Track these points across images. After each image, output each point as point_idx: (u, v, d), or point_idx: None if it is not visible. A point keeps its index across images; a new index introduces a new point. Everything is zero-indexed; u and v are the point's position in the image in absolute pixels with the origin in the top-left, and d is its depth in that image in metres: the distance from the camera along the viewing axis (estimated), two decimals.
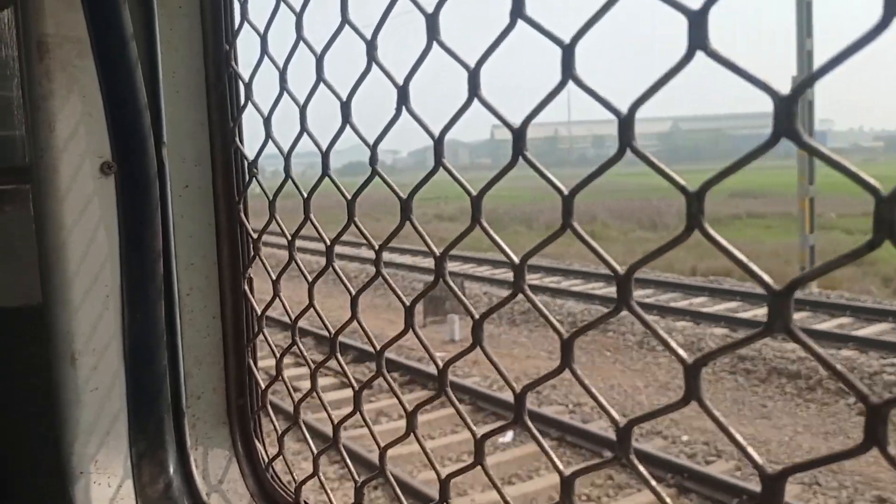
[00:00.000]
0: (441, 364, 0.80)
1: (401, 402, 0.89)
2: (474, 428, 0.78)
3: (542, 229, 23.65)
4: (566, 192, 0.61)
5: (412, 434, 0.85)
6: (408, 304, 0.84)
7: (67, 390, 1.16)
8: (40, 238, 1.15)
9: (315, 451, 1.09)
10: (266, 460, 1.28)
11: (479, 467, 0.76)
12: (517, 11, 0.64)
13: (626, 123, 0.56)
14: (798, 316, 10.04)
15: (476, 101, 0.71)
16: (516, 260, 0.68)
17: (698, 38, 0.49)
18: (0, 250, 1.48)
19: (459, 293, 0.82)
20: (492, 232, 0.72)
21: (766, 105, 0.46)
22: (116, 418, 1.20)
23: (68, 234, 1.14)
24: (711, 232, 0.50)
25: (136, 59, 1.16)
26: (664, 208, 26.70)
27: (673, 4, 0.52)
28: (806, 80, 0.49)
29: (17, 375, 1.19)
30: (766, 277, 0.48)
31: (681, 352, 0.54)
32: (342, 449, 1.03)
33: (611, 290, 12.42)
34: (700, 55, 0.50)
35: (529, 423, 0.70)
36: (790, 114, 0.46)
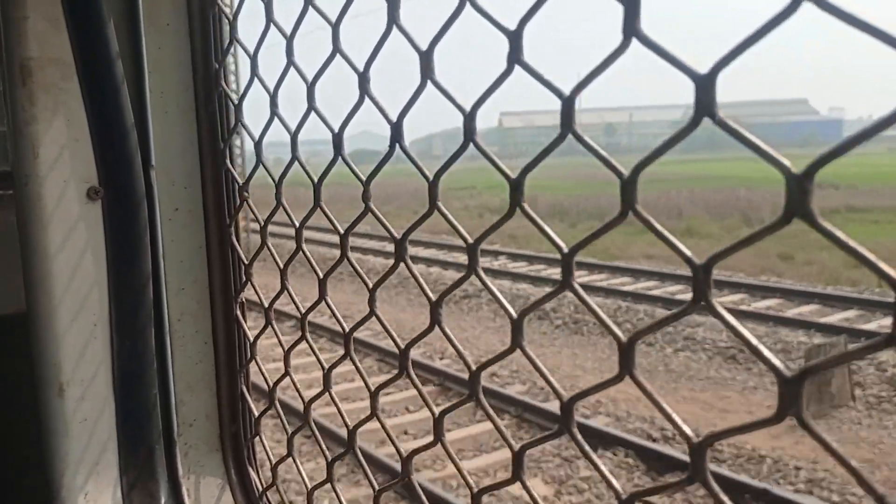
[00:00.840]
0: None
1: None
2: (434, 407, 0.81)
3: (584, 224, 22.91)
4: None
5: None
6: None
7: (55, 421, 1.13)
8: (25, 266, 1.12)
9: (309, 486, 1.06)
10: (260, 489, 1.25)
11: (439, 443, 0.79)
12: None
13: (567, 105, 0.58)
14: None
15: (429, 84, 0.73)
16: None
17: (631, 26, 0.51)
18: None
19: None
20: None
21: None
22: (106, 448, 1.17)
23: (53, 262, 1.11)
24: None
25: (122, 78, 1.12)
26: (756, 200, 24.46)
27: None
28: (724, 60, 0.47)
29: (2, 406, 1.17)
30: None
31: (616, 330, 0.57)
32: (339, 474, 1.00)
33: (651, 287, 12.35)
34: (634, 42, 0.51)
35: (483, 401, 0.74)
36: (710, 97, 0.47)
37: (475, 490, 0.75)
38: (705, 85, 0.48)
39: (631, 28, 0.52)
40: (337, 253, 0.94)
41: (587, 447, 0.62)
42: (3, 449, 1.30)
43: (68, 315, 1.12)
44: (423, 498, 0.82)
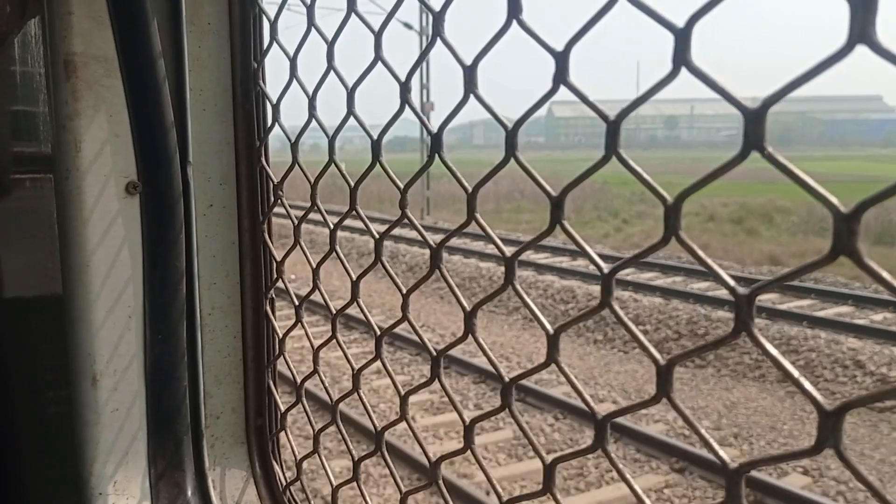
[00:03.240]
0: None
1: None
2: (464, 414, 0.82)
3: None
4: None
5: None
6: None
7: (88, 411, 1.16)
8: (63, 257, 1.15)
9: (334, 484, 1.08)
10: (284, 483, 1.27)
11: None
12: (513, 13, 0.66)
13: (613, 130, 0.58)
14: None
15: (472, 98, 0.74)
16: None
17: (682, 54, 0.51)
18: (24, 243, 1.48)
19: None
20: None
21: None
22: (135, 438, 1.19)
23: (91, 255, 1.13)
24: None
25: (163, 77, 1.14)
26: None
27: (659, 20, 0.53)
28: (775, 95, 0.48)
29: (37, 394, 1.19)
30: None
31: (655, 353, 0.58)
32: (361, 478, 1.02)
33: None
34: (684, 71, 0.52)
35: (516, 412, 0.74)
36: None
37: (504, 500, 0.76)
38: (755, 119, 0.49)
39: (681, 58, 0.53)
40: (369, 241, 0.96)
41: (620, 465, 0.63)
42: (34, 432, 1.33)
43: (104, 307, 1.15)
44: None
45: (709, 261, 0.54)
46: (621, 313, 0.61)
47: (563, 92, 0.65)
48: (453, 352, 8.59)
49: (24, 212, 1.48)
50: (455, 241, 16.08)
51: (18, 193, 1.51)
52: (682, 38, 0.52)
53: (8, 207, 1.52)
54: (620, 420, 7.12)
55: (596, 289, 12.12)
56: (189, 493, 1.22)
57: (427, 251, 0.84)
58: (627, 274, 12.90)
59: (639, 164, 0.59)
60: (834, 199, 0.46)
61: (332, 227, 1.05)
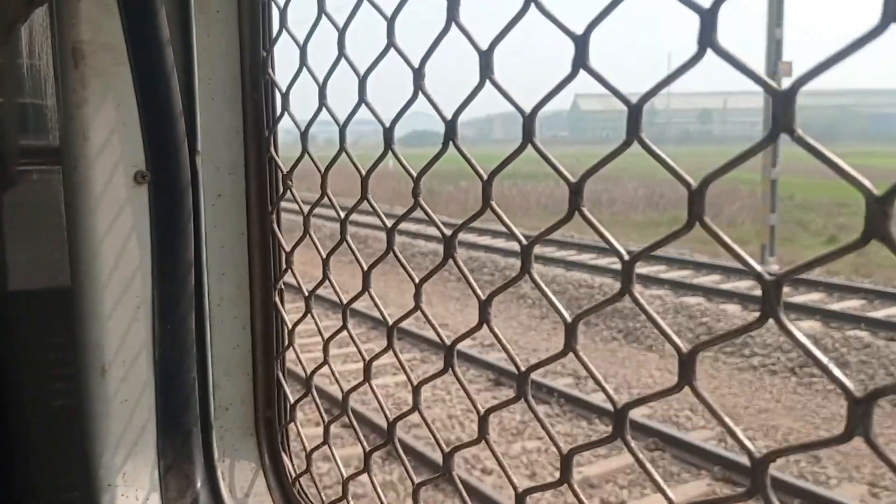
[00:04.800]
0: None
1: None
2: (479, 405, 0.81)
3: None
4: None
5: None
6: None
7: (97, 402, 1.15)
8: (72, 247, 1.14)
9: (345, 475, 1.07)
10: (293, 475, 1.27)
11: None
12: None
13: (635, 113, 0.58)
14: None
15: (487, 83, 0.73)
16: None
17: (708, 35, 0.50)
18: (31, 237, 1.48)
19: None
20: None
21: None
22: (144, 430, 1.19)
23: (100, 245, 1.13)
24: None
25: (172, 65, 1.13)
26: None
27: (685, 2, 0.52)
28: (805, 76, 0.47)
29: (46, 386, 1.19)
30: None
31: (678, 341, 0.57)
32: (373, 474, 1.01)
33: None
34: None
35: (532, 403, 0.73)
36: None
37: (520, 490, 0.75)
38: (785, 101, 0.48)
39: (707, 39, 0.51)
40: (381, 236, 0.95)
41: (641, 455, 0.62)
42: (43, 423, 1.32)
43: (113, 297, 1.14)
44: (465, 495, 0.82)
45: (735, 247, 0.53)
46: (643, 301, 0.60)
47: (589, 84, 0.64)
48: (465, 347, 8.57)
49: (32, 202, 1.47)
50: (462, 236, 15.96)
51: (26, 183, 1.50)
52: (709, 18, 0.51)
53: (16, 197, 1.51)
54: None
55: (583, 277, 12.13)
56: (198, 484, 1.22)
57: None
58: (613, 261, 12.89)
59: (647, 160, 0.58)
60: (867, 182, 0.45)
61: (342, 217, 1.04)
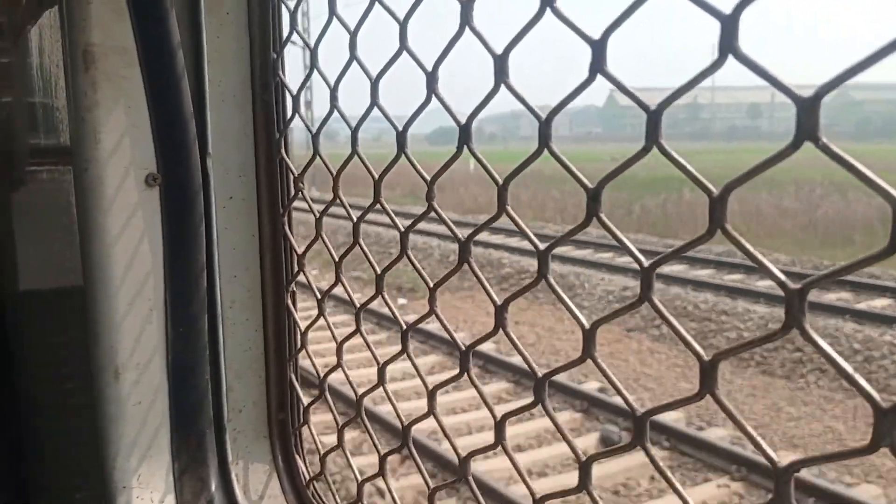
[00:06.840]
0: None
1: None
2: (495, 410, 0.81)
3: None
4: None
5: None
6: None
7: (111, 404, 1.15)
8: (84, 250, 1.14)
9: (359, 479, 1.07)
10: (307, 478, 1.26)
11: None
12: (547, 0, 0.64)
13: (654, 119, 0.57)
14: None
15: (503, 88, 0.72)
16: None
17: (729, 41, 0.50)
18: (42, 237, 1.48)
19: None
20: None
21: None
22: (158, 432, 1.19)
23: (112, 248, 1.12)
24: None
25: (182, 68, 1.12)
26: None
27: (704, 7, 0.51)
28: (829, 84, 0.46)
29: (59, 385, 1.19)
30: None
31: (699, 349, 0.56)
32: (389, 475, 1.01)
33: None
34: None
35: (549, 408, 0.73)
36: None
37: (537, 497, 0.75)
38: (808, 108, 0.47)
39: (728, 45, 0.51)
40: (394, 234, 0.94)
41: (661, 464, 0.61)
42: (56, 424, 1.33)
43: (126, 300, 1.14)
44: (481, 500, 0.82)
45: (758, 255, 0.52)
46: (662, 308, 0.60)
47: (626, 79, 0.63)
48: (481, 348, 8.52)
49: (43, 202, 1.48)
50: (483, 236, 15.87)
51: (37, 183, 1.50)
52: (729, 24, 0.50)
53: (27, 199, 1.51)
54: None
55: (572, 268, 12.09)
56: (213, 487, 1.22)
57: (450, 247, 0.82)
58: (605, 256, 12.82)
59: (712, 156, 0.57)
60: (893, 191, 0.44)
61: (354, 220, 1.03)
